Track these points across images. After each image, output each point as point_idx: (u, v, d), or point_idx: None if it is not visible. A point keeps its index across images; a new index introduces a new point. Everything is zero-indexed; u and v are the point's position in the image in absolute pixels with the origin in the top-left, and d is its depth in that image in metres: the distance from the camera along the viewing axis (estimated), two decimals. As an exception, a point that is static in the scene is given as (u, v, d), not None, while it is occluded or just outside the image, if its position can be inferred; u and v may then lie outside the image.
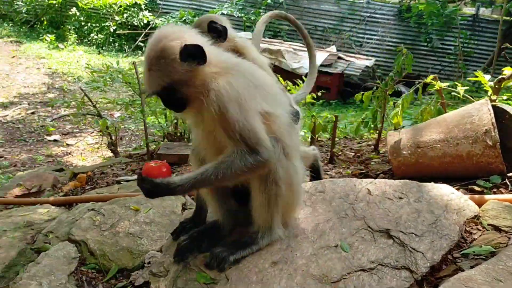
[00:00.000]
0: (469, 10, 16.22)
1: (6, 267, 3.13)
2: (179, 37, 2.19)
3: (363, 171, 4.10)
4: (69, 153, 9.60)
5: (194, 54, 2.13)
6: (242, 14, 16.22)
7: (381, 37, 16.21)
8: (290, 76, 8.58)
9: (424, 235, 2.45)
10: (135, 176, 4.81)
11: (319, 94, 5.62)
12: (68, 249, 3.25)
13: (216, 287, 2.33)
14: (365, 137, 6.13)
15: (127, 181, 4.69)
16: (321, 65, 13.83)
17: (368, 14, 16.47)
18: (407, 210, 2.65)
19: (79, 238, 3.35)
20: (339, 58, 14.57)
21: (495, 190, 3.20)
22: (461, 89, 3.96)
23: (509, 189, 3.18)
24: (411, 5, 15.79)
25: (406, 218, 2.58)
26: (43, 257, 3.14)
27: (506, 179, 3.28)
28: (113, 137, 6.00)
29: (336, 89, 14.21)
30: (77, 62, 15.02)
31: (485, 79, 3.89)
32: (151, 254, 3.17)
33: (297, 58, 14.02)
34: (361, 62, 14.64)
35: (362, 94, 4.99)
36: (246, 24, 16.54)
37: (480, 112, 3.40)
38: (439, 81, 4.00)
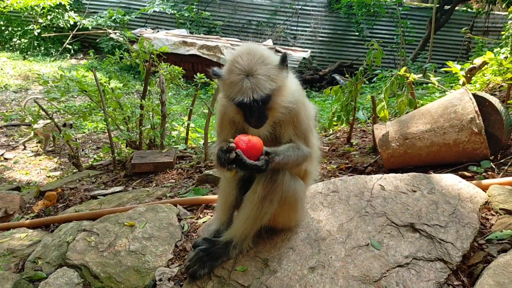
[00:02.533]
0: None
1: (3, 303, 2.87)
2: (266, 49, 2.34)
3: (350, 165, 4.18)
4: (10, 168, 8.98)
5: (286, 64, 2.29)
6: (175, 11, 15.86)
7: (314, 29, 16.60)
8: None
9: (448, 226, 2.56)
10: (112, 189, 4.59)
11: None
12: (69, 275, 3.04)
13: (260, 300, 2.30)
14: (329, 129, 6.24)
15: (104, 195, 4.45)
16: (260, 59, 13.90)
17: (299, 7, 16.78)
18: (424, 203, 2.74)
19: (78, 262, 3.14)
20: (277, 51, 14.73)
21: (484, 174, 3.39)
22: (434, 80, 4.14)
23: (496, 172, 3.39)
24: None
25: (426, 210, 2.68)
26: (43, 287, 2.92)
27: (492, 163, 3.49)
28: (74, 150, 5.65)
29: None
30: (1, 69, 13.99)
31: (457, 68, 4.10)
32: (161, 270, 3.04)
33: (235, 53, 14.00)
34: (298, 54, 14.90)
35: (331, 89, 5.08)
36: (180, 21, 16.22)
37: (462, 102, 3.58)
38: (412, 74, 4.16)
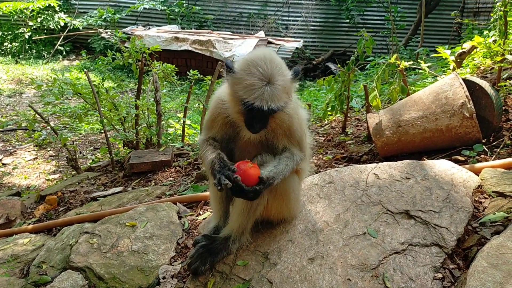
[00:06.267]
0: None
1: (11, 308, 2.92)
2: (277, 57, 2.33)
3: (345, 155, 4.23)
4: (8, 174, 9.01)
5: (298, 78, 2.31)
6: (165, 7, 15.80)
7: (305, 18, 16.59)
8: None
9: (442, 211, 2.61)
10: (112, 190, 4.64)
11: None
12: (74, 278, 3.09)
13: (261, 293, 2.35)
14: (324, 120, 6.28)
15: (104, 196, 4.50)
16: (253, 51, 13.92)
17: (289, -3, 16.77)
18: (418, 189, 2.79)
19: (82, 264, 3.19)
20: (269, 42, 14.73)
21: (477, 157, 3.44)
22: (425, 66, 4.18)
23: (488, 155, 3.44)
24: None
25: (420, 197, 2.73)
26: (50, 291, 2.97)
27: (484, 147, 3.54)
28: (72, 152, 5.68)
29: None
30: (-6, 74, 13.96)
31: (447, 54, 4.14)
32: (164, 268, 3.10)
33: (228, 46, 14.00)
34: (290, 44, 14.90)
35: (324, 79, 5.12)
36: (170, 17, 16.17)
37: (453, 87, 3.63)
38: (403, 61, 4.19)
